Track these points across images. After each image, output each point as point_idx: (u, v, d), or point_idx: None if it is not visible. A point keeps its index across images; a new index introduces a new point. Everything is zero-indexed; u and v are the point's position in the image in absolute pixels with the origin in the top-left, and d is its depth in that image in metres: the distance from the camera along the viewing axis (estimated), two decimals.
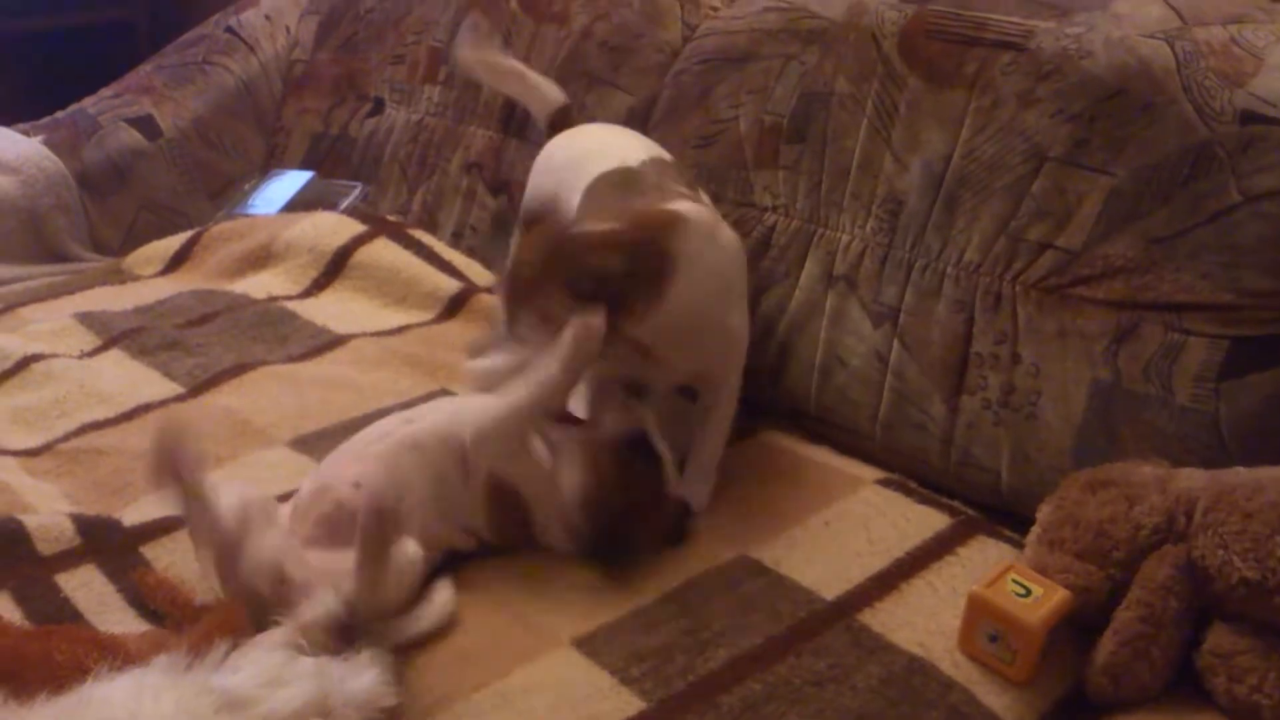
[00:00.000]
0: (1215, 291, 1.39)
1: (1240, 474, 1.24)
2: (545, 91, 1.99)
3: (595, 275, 1.34)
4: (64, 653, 1.07)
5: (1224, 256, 1.39)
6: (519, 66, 2.02)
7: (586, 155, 1.71)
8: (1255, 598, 1.16)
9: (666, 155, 1.72)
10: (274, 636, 1.11)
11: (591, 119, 2.05)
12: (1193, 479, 1.27)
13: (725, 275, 1.47)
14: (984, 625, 1.21)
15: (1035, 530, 1.33)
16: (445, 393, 1.76)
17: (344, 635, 1.14)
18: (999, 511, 1.50)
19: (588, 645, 1.24)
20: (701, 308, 1.41)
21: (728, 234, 1.50)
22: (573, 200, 1.63)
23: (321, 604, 1.16)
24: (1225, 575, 1.18)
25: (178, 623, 1.21)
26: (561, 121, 1.94)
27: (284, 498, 1.46)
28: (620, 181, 1.61)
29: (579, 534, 1.35)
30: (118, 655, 1.06)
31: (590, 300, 1.32)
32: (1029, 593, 1.21)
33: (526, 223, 1.81)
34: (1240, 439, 1.37)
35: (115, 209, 2.49)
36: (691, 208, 1.47)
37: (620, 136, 1.80)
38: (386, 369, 1.84)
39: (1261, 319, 1.37)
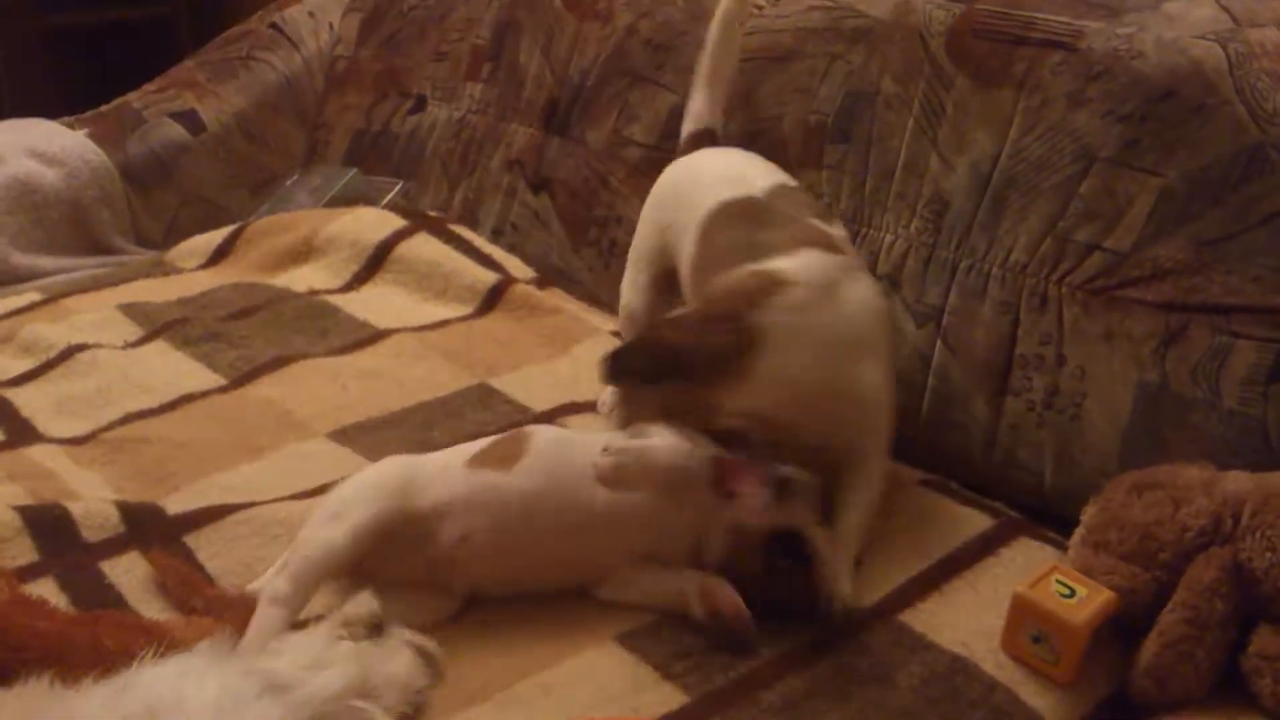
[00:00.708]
0: (1265, 295, 1.38)
1: None
2: (703, 104, 1.81)
3: (666, 360, 1.29)
4: (112, 638, 1.08)
5: (1275, 260, 1.37)
6: (723, 67, 1.82)
7: (704, 182, 1.60)
8: None
9: (792, 181, 1.61)
10: (319, 629, 1.12)
11: (634, 118, 2.06)
12: (1239, 481, 1.25)
13: (844, 334, 1.35)
14: (1028, 626, 1.20)
15: (1079, 532, 1.32)
16: (484, 388, 1.77)
17: (376, 633, 1.16)
18: (1042, 513, 1.49)
19: (630, 640, 1.24)
20: (813, 372, 1.31)
21: (856, 287, 1.38)
22: (688, 233, 1.55)
23: (364, 602, 1.17)
24: (1273, 578, 1.16)
25: (190, 609, 1.22)
26: (699, 144, 1.78)
27: (320, 490, 1.48)
28: (742, 212, 1.51)
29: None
30: (164, 641, 1.07)
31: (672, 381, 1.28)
32: (1073, 594, 1.20)
33: (644, 259, 1.71)
34: None
35: (158, 202, 2.51)
36: (800, 265, 1.36)
37: (743, 161, 1.67)
38: (426, 363, 1.85)
39: None
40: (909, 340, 1.65)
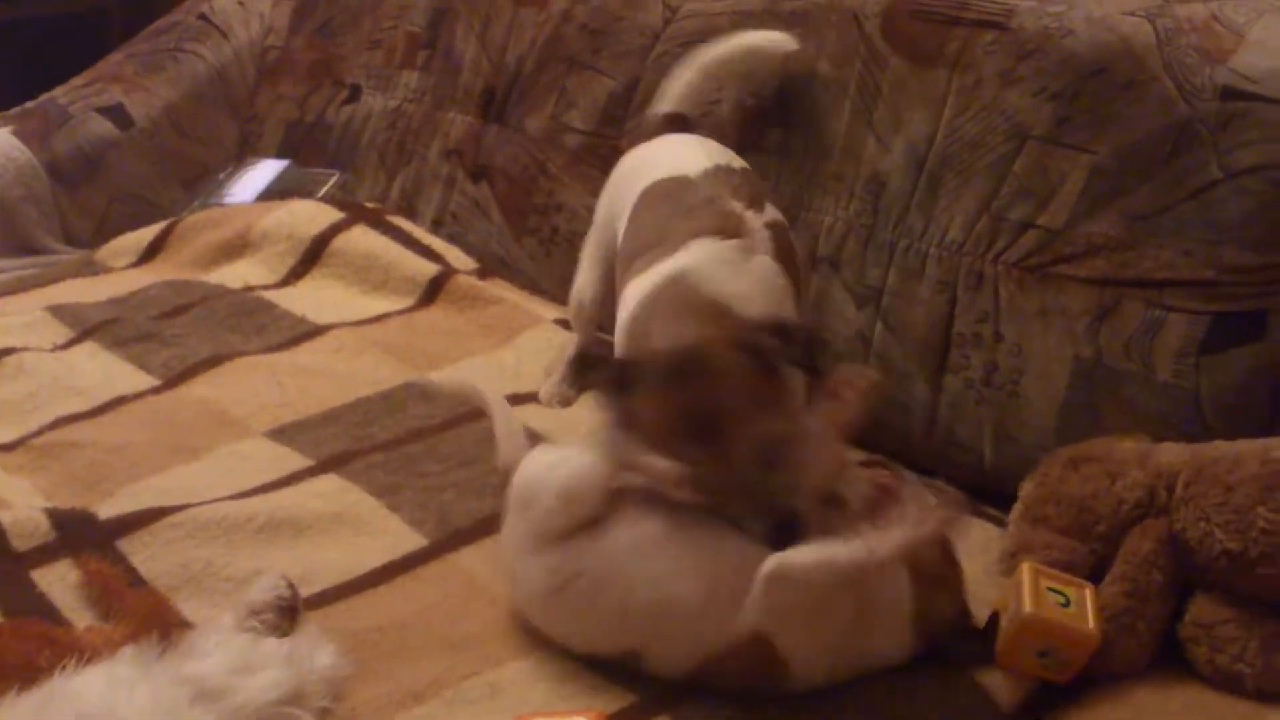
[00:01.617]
0: (1196, 268, 1.39)
1: (1220, 447, 1.25)
2: (683, 88, 1.77)
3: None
4: (12, 650, 1.05)
5: (1205, 233, 1.39)
6: (724, 64, 1.78)
7: (643, 165, 1.58)
8: (1237, 569, 1.16)
9: (738, 164, 1.57)
10: (225, 620, 1.11)
11: (572, 104, 2.04)
12: (1173, 453, 1.27)
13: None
14: (1036, 644, 1.15)
15: (1018, 508, 1.33)
16: (425, 381, 1.75)
17: (291, 615, 1.16)
18: (983, 490, 1.49)
19: None
20: None
21: (738, 279, 1.33)
22: (624, 216, 1.54)
23: (271, 586, 1.17)
24: (1207, 547, 1.17)
25: (106, 613, 1.21)
26: (668, 127, 1.72)
27: (259, 490, 1.45)
28: (669, 192, 1.49)
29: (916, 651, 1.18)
30: (69, 649, 1.05)
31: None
32: (1067, 599, 1.17)
33: (594, 249, 1.68)
34: (1220, 414, 1.37)
35: (87, 200, 2.45)
36: (691, 259, 1.33)
37: (688, 146, 1.62)
38: (366, 357, 1.83)
39: (1242, 294, 1.37)
40: (850, 322, 1.65)
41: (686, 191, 1.48)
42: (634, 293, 1.38)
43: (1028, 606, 1.14)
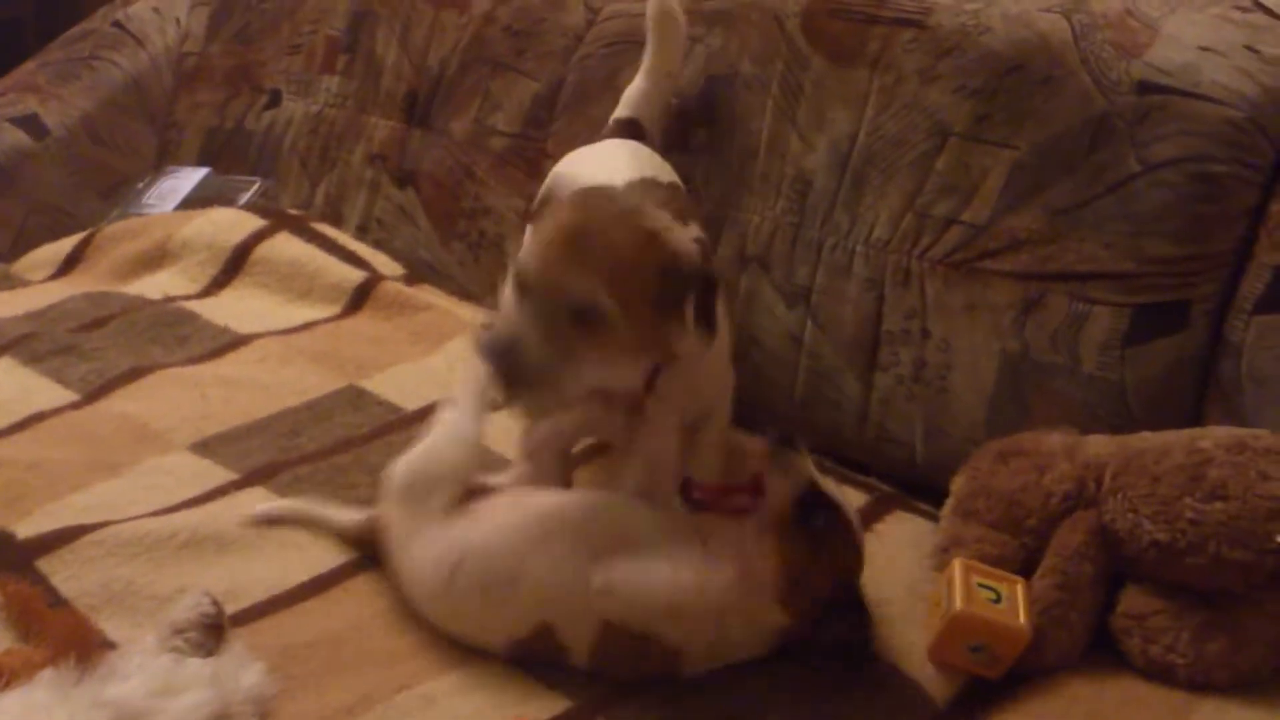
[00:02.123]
0: (1118, 260, 1.41)
1: (1147, 438, 1.26)
2: (634, 93, 1.74)
3: None
4: None
5: (1126, 225, 1.41)
6: (660, 59, 1.74)
7: (571, 174, 1.56)
8: (1166, 560, 1.18)
9: (667, 178, 1.56)
10: (148, 640, 1.08)
11: (496, 106, 2.02)
12: (1100, 446, 1.28)
13: None
14: (968, 639, 1.16)
15: (950, 503, 1.34)
16: (354, 390, 1.73)
17: (216, 633, 1.14)
18: (915, 485, 1.51)
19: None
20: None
21: None
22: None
23: (195, 604, 1.15)
24: (1136, 538, 1.19)
25: (26, 635, 1.18)
26: (619, 132, 1.70)
27: (184, 505, 1.42)
28: (590, 201, 1.41)
29: (785, 636, 1.18)
30: None
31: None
32: (998, 595, 1.18)
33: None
34: (1146, 404, 1.39)
35: (2, 212, 2.38)
36: None
37: (620, 155, 1.60)
38: (292, 367, 1.79)
39: (1163, 285, 1.40)
40: (780, 320, 1.65)
41: (607, 202, 1.44)
42: None
43: (959, 603, 1.15)
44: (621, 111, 1.75)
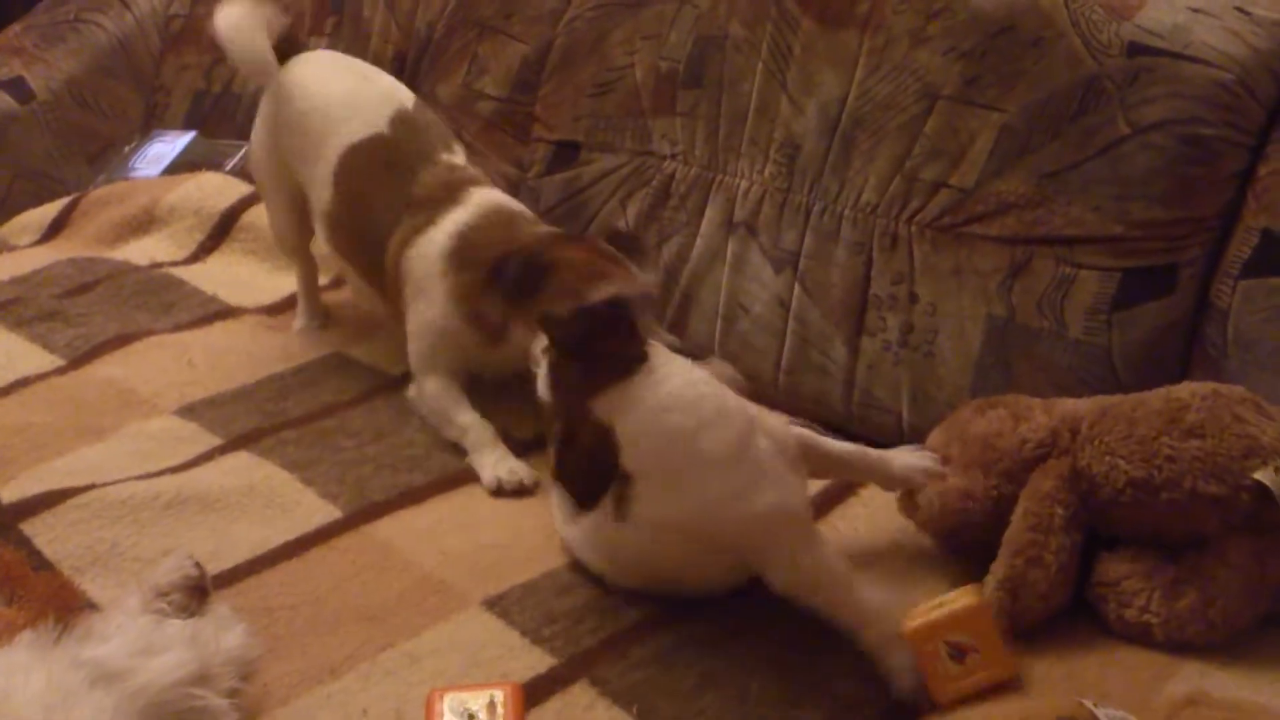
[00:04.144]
0: (1106, 224, 1.40)
1: (1124, 397, 1.26)
2: (263, 14, 1.71)
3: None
4: None
5: (1114, 189, 1.40)
6: None
7: (327, 115, 1.60)
8: (1142, 499, 1.17)
9: (408, 100, 1.64)
10: (130, 602, 1.08)
11: (484, 70, 2.01)
12: (1078, 402, 1.28)
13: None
14: (939, 649, 1.11)
15: None
16: (340, 356, 1.72)
17: (200, 595, 1.13)
18: None
19: (499, 606, 1.22)
20: None
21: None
22: (318, 169, 1.60)
23: (178, 566, 1.14)
24: (1113, 480, 1.18)
25: (9, 598, 1.18)
26: (287, 51, 1.72)
27: (170, 470, 1.42)
28: (377, 155, 1.56)
29: None
30: None
31: None
32: (942, 603, 1.13)
33: (274, 184, 1.74)
34: (1132, 369, 1.39)
35: None
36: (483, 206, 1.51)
37: (355, 84, 1.66)
38: (278, 334, 1.79)
39: (1151, 249, 1.39)
40: (767, 286, 1.65)
41: (395, 152, 1.57)
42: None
43: (906, 623, 1.12)
44: (273, 27, 1.72)
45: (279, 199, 1.75)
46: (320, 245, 1.73)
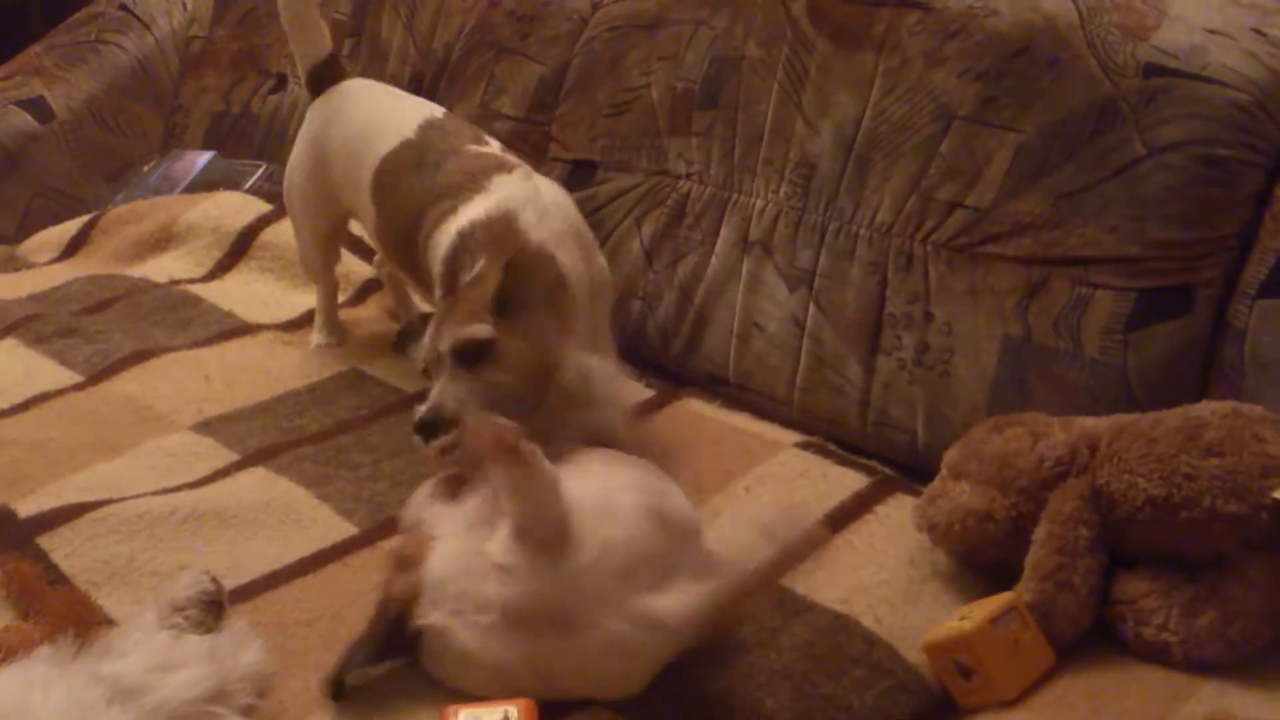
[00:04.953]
0: (1122, 244, 1.40)
1: (1142, 415, 1.26)
2: (306, 42, 1.76)
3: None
4: None
5: (1130, 210, 1.40)
6: (298, 13, 1.76)
7: (364, 138, 1.63)
8: (1161, 517, 1.17)
9: (438, 112, 1.66)
10: (146, 617, 1.08)
11: (501, 90, 2.02)
12: (1096, 421, 1.28)
13: (573, 228, 1.50)
14: (950, 664, 1.14)
15: (941, 473, 1.32)
16: (355, 373, 1.73)
17: (216, 610, 1.13)
18: (916, 470, 1.50)
19: None
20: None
21: (550, 188, 1.52)
22: (362, 191, 1.61)
23: (195, 581, 1.14)
24: (1131, 498, 1.18)
25: (25, 612, 1.18)
26: (327, 76, 1.75)
27: (187, 486, 1.43)
28: (407, 159, 1.56)
29: None
30: None
31: None
32: (970, 615, 1.16)
33: (312, 215, 1.75)
34: (1148, 389, 1.38)
35: (7, 195, 2.40)
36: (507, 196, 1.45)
37: (389, 103, 1.70)
38: (295, 351, 1.80)
39: (1167, 270, 1.39)
40: (782, 305, 1.65)
41: (422, 152, 1.56)
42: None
43: (926, 637, 1.15)
44: (311, 61, 1.76)
45: (312, 227, 1.76)
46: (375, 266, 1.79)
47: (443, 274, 1.44)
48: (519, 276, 1.29)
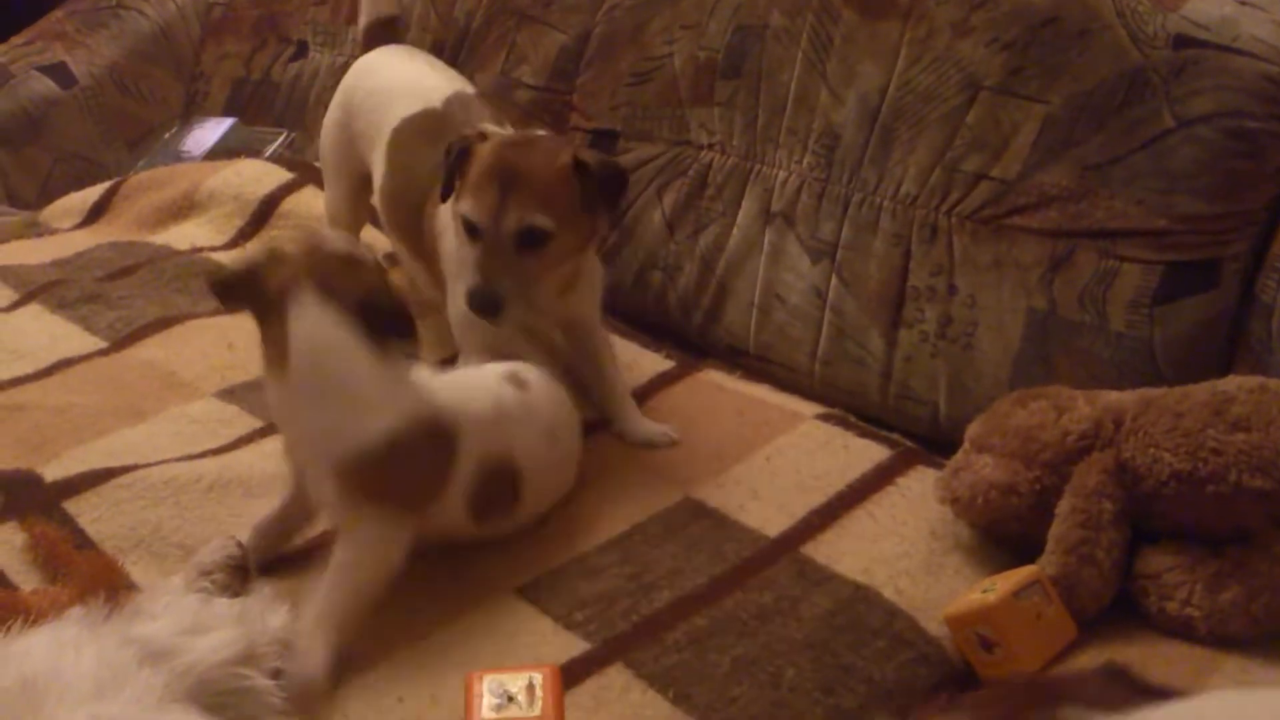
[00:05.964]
0: (1149, 217, 1.39)
1: (1168, 389, 1.25)
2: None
3: None
4: None
5: (1158, 182, 1.39)
6: None
7: (390, 94, 1.65)
8: (1186, 491, 1.16)
9: (470, 88, 1.68)
10: (173, 581, 1.09)
11: (523, 59, 2.01)
12: (1121, 395, 1.28)
13: None
14: (971, 636, 1.14)
15: (964, 446, 1.32)
16: None
17: (242, 575, 1.15)
18: (938, 443, 1.50)
19: (531, 592, 1.23)
20: None
21: None
22: (378, 147, 1.62)
23: (221, 546, 1.16)
24: (1156, 472, 1.18)
25: (53, 576, 1.19)
26: (382, 35, 1.81)
27: (210, 452, 1.43)
28: (426, 127, 1.58)
29: None
30: (14, 612, 1.03)
31: None
32: (993, 587, 1.16)
33: (338, 169, 1.76)
34: (1174, 363, 1.38)
35: (30, 160, 2.41)
36: None
37: (424, 70, 1.72)
38: None
39: (1194, 243, 1.38)
40: (804, 276, 1.64)
41: (441, 123, 1.57)
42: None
43: (948, 609, 1.15)
44: (370, 16, 1.81)
45: (340, 181, 1.78)
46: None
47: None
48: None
